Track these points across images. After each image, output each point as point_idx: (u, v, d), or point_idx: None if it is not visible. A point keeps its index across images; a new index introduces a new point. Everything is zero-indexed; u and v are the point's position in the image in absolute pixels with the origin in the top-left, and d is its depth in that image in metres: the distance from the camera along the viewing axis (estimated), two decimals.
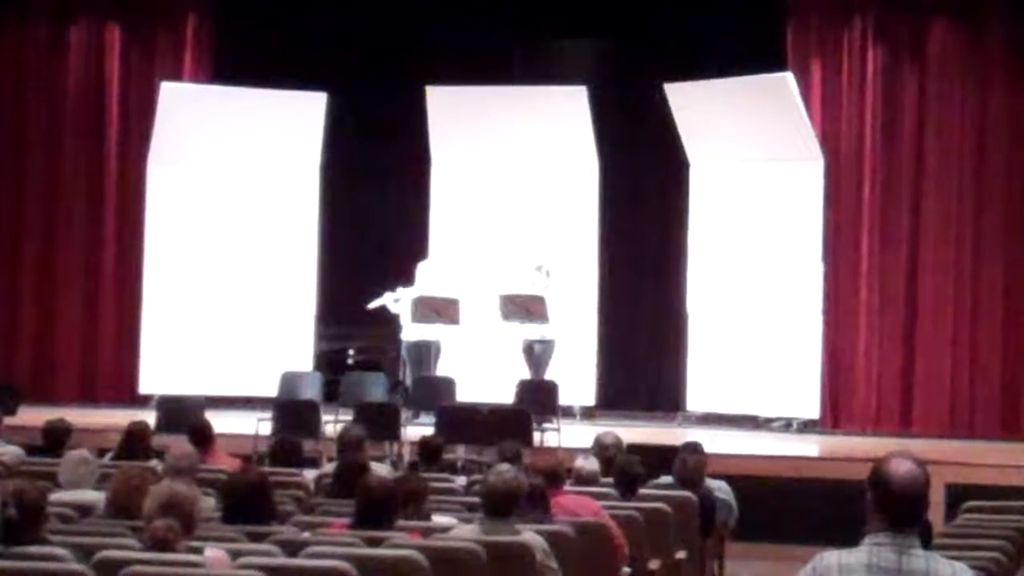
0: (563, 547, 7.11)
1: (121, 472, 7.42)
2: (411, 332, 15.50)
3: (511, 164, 16.49)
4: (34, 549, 5.96)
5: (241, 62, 16.88)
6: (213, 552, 5.96)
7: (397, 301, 15.51)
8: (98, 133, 17.03)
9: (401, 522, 7.07)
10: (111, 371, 16.88)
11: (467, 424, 13.26)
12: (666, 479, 9.73)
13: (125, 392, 16.58)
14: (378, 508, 6.91)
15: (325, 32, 17.20)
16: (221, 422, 11.80)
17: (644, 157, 17.30)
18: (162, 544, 5.89)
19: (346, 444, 10.13)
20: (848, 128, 15.62)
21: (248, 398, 15.46)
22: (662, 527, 8.61)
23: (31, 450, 10.56)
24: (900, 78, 15.57)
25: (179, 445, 9.20)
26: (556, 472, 8.43)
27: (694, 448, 10.40)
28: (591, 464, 9.46)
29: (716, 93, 15.47)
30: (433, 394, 14.63)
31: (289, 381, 14.98)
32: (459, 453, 13.28)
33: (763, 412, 15.48)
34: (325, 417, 13.65)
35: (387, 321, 15.87)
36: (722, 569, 10.26)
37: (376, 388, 14.88)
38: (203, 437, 10.33)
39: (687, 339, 16.14)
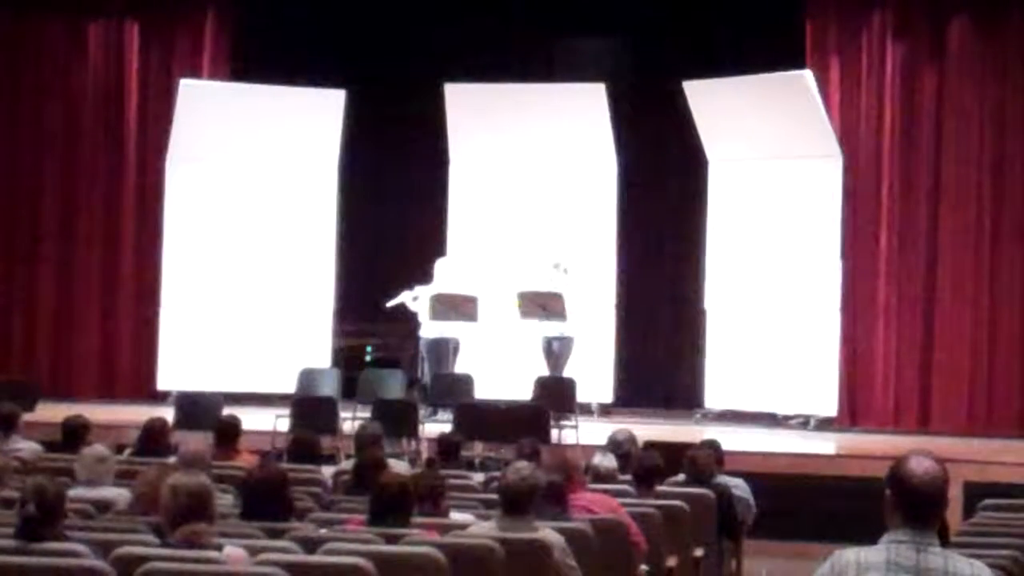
0: (581, 544, 7.10)
1: (153, 470, 7.40)
2: (429, 329, 15.50)
3: (529, 161, 16.49)
4: (53, 545, 5.97)
5: (260, 59, 16.91)
6: (232, 549, 5.96)
7: (415, 299, 15.51)
8: (117, 130, 17.07)
9: (418, 519, 7.06)
10: (129, 367, 16.92)
11: (485, 421, 13.26)
12: (683, 476, 9.73)
13: (143, 388, 16.63)
14: (393, 504, 6.91)
15: (344, 29, 17.23)
16: (239, 418, 11.80)
17: (663, 154, 17.31)
18: (198, 546, 5.90)
19: (364, 441, 10.14)
20: (867, 126, 15.61)
21: (266, 395, 15.49)
22: (680, 524, 8.59)
23: (49, 446, 10.57)
24: (919, 76, 15.55)
25: (190, 441, 9.17)
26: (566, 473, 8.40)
27: (706, 445, 10.41)
28: (609, 461, 9.44)
29: (735, 90, 15.46)
30: (451, 391, 14.64)
31: (307, 378, 15.01)
32: (477, 450, 13.29)
33: (781, 409, 15.48)
34: (343, 414, 13.65)
35: (405, 318, 15.88)
36: (740, 566, 10.24)
37: (394, 385, 14.89)
38: (229, 434, 10.34)
39: (705, 336, 16.15)
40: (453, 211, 16.75)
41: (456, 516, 7.56)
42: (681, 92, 15.75)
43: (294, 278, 16.51)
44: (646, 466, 9.19)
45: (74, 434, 10.35)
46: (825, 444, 14.46)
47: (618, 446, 10.14)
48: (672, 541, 8.45)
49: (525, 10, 17.10)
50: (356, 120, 16.51)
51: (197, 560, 5.80)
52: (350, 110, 16.38)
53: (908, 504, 4.23)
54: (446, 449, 10.68)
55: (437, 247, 16.37)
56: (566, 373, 15.11)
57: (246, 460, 9.92)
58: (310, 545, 6.33)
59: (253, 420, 13.47)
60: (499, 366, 15.75)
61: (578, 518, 7.57)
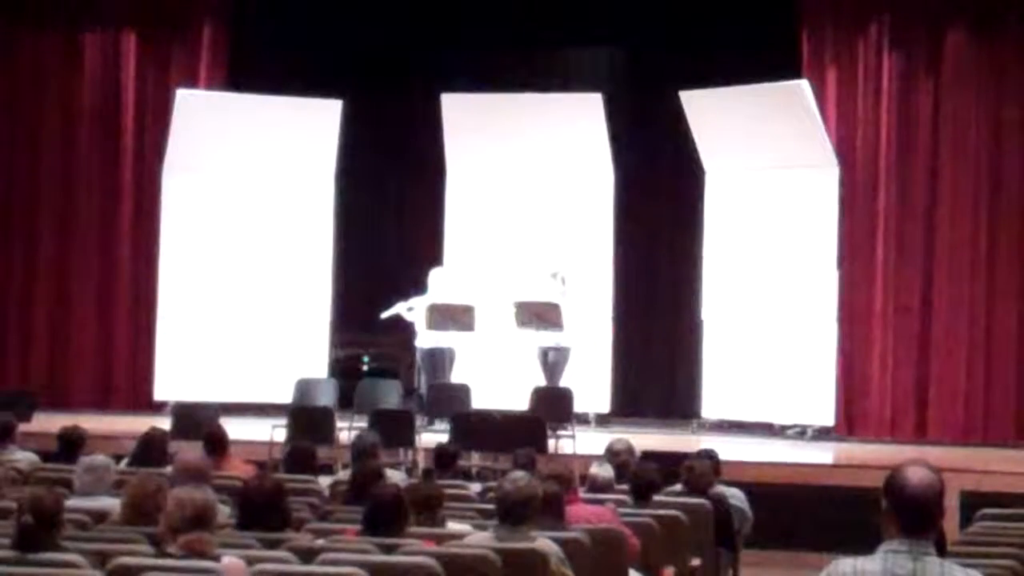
0: (578, 554, 7.10)
1: (139, 479, 7.42)
2: (426, 339, 15.49)
3: (526, 171, 16.49)
4: (50, 556, 5.98)
5: (256, 69, 16.92)
6: (229, 560, 5.96)
7: (411, 310, 15.51)
8: (114, 140, 17.06)
9: (415, 529, 7.06)
10: (126, 377, 16.90)
11: (482, 431, 13.25)
12: (681, 486, 9.73)
13: (140, 398, 16.61)
14: (386, 514, 6.91)
15: (340, 39, 17.24)
16: (236, 429, 11.76)
17: (659, 164, 17.31)
18: (200, 555, 5.91)
19: (361, 451, 10.13)
20: (863, 135, 15.61)
21: (263, 405, 15.48)
22: (677, 534, 8.59)
23: (46, 456, 10.58)
24: (916, 86, 15.56)
25: (188, 453, 9.10)
26: (566, 477, 8.41)
27: (704, 455, 10.41)
28: (606, 471, 9.44)
29: (732, 100, 15.47)
30: (448, 401, 14.62)
31: (304, 388, 15.00)
32: (474, 460, 13.29)
33: (778, 419, 15.47)
34: (340, 424, 13.64)
35: (402, 328, 15.88)
36: None
37: (391, 395, 14.89)
38: (218, 445, 10.33)
39: (702, 346, 16.14)
40: (450, 221, 16.75)
41: (453, 526, 7.56)
42: (678, 102, 15.75)
43: (291, 288, 16.50)
44: (644, 481, 9.17)
45: (71, 444, 10.35)
46: (822, 454, 14.45)
47: (615, 455, 10.14)
48: (669, 551, 8.44)
49: (522, 21, 17.10)
50: (353, 130, 16.51)
51: (194, 571, 5.80)
52: (347, 120, 16.38)
53: (904, 513, 4.23)
54: (443, 459, 10.67)
55: (434, 257, 16.37)
56: (563, 383, 15.10)
57: (239, 468, 9.91)
58: (307, 555, 6.33)
59: (250, 430, 13.48)
60: (496, 376, 15.74)
61: (575, 527, 7.57)
